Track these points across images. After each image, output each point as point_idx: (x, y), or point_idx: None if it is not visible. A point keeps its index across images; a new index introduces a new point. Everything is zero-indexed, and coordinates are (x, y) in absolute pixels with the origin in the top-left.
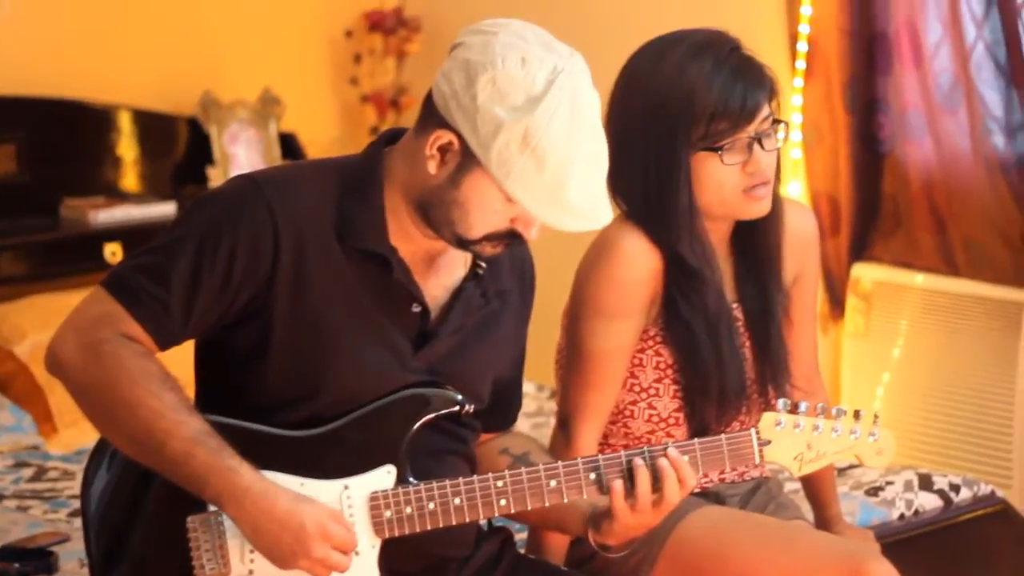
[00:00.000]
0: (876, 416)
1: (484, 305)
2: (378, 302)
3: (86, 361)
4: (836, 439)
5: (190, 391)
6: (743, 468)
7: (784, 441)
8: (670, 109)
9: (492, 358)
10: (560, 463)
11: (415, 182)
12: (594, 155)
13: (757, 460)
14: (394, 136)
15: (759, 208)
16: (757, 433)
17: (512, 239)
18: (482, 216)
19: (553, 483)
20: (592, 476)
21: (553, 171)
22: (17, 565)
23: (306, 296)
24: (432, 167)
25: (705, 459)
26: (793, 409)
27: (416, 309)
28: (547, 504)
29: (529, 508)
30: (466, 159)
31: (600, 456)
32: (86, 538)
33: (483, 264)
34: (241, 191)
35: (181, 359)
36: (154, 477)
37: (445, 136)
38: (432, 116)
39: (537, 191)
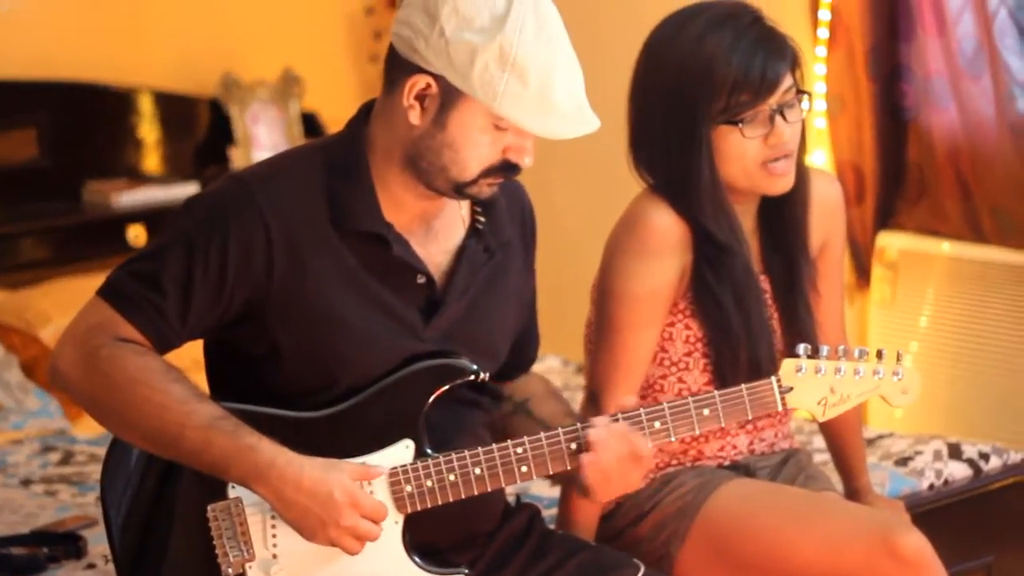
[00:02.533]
0: (899, 355)
1: (488, 260)
2: (382, 280)
3: (86, 369)
4: (859, 380)
5: (203, 380)
6: (767, 417)
7: (806, 386)
8: (689, 82)
9: (504, 312)
10: (580, 424)
11: (398, 140)
12: (569, 57)
13: (780, 407)
14: (372, 108)
15: (781, 184)
16: (778, 380)
17: (507, 171)
18: (474, 152)
19: (574, 446)
20: None
21: (537, 81)
22: (46, 549)
23: (308, 289)
24: (413, 117)
25: (727, 410)
26: (814, 353)
27: (421, 280)
28: (568, 468)
29: (550, 472)
30: (447, 97)
31: (619, 415)
32: (110, 539)
33: (482, 219)
34: (229, 192)
35: (196, 349)
36: (176, 475)
37: (421, 81)
38: (400, 67)
39: (526, 105)
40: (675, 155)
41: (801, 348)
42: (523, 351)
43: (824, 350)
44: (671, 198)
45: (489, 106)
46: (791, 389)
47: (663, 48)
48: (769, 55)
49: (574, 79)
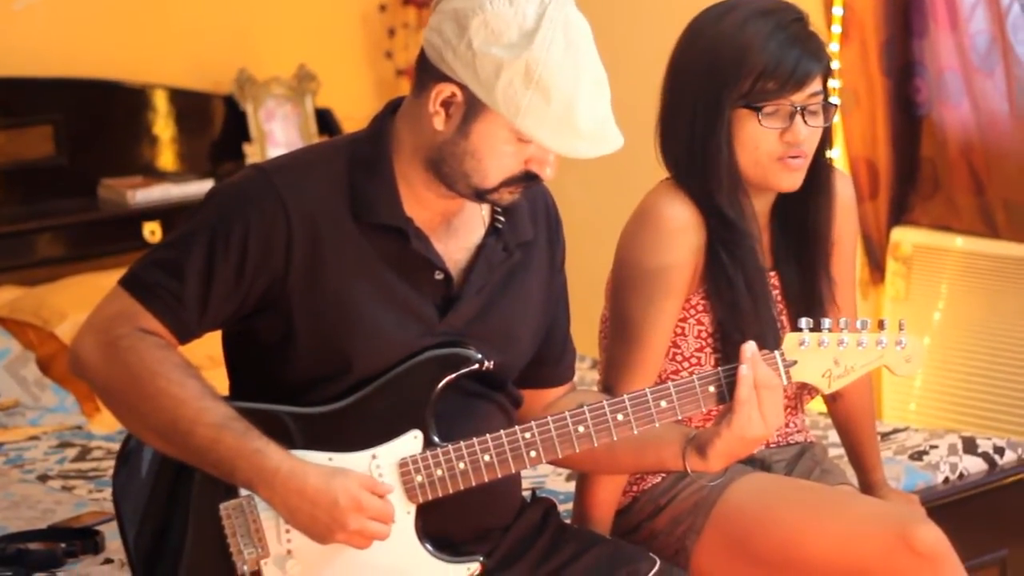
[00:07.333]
0: (901, 324)
1: (506, 259)
2: (400, 273)
3: (106, 359)
4: (863, 351)
5: (216, 376)
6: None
7: (810, 359)
8: (722, 63)
9: (523, 311)
10: (586, 407)
11: (422, 142)
12: (596, 78)
13: (784, 381)
14: (398, 106)
15: (790, 180)
16: (782, 354)
17: (528, 181)
18: (496, 162)
19: (581, 428)
20: (620, 417)
21: (560, 100)
22: (64, 545)
23: (325, 280)
24: (438, 123)
25: (730, 385)
26: (816, 327)
27: (439, 276)
28: (577, 451)
29: (560, 456)
30: (471, 107)
31: (625, 396)
32: (123, 537)
33: (502, 219)
34: (251, 182)
35: (209, 346)
36: (190, 474)
37: (446, 89)
38: (429, 72)
39: (548, 123)
40: (699, 132)
41: (803, 322)
42: (559, 357)
43: (826, 323)
44: (687, 183)
45: (511, 121)
46: (795, 363)
47: (703, 33)
48: (804, 52)
49: (600, 99)
